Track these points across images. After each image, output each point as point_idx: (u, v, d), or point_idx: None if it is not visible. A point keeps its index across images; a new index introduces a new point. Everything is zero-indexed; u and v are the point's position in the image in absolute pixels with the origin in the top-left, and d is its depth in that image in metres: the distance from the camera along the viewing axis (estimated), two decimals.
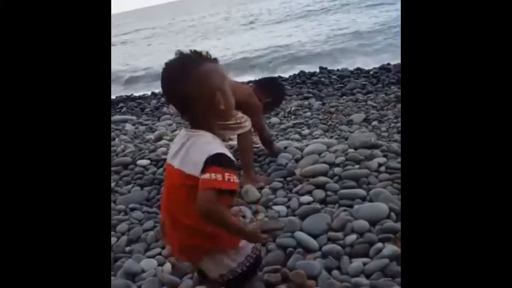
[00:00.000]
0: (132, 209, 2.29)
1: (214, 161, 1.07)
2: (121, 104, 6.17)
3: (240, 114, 2.28)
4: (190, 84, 1.12)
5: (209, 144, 1.13)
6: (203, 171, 1.07)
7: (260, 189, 2.20)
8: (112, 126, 4.21)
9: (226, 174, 1.06)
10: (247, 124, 2.29)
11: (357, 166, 2.21)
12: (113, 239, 2.01)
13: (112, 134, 3.81)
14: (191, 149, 1.14)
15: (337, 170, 2.20)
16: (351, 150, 2.37)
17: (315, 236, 1.75)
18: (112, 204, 2.34)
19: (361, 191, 1.99)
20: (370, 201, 1.93)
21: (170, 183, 1.22)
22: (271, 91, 2.57)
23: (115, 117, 4.78)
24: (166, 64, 1.17)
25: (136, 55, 13.88)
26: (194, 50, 1.17)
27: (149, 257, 1.85)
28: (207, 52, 1.18)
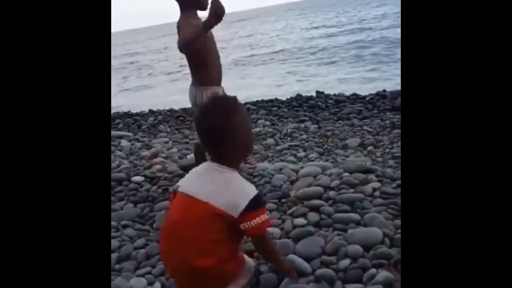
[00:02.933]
0: (124, 226, 2.26)
1: (257, 204, 1.18)
2: (117, 120, 6.18)
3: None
4: (233, 123, 1.18)
5: (245, 186, 1.21)
6: (251, 214, 1.15)
7: None
8: None
9: (266, 211, 1.21)
10: None
11: (351, 190, 2.22)
12: None
13: None
14: (227, 187, 1.18)
15: (331, 193, 2.20)
16: (346, 174, 2.38)
17: (308, 260, 1.73)
18: None
19: (355, 216, 1.99)
20: (365, 225, 1.92)
21: (188, 214, 1.20)
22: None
23: (111, 133, 4.78)
24: (211, 100, 1.24)
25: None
26: (234, 96, 1.27)
27: (139, 275, 1.81)
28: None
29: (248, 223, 1.15)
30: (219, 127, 1.16)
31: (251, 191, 1.18)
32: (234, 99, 1.23)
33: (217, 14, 1.98)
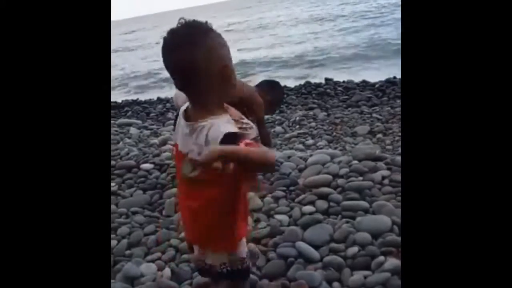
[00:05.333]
0: (134, 213, 2.29)
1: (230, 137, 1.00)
2: (126, 108, 6.22)
3: (245, 120, 2.27)
4: (201, 52, 1.00)
5: (222, 126, 1.04)
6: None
7: (262, 197, 2.19)
8: (117, 129, 4.23)
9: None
10: (252, 132, 2.28)
11: (360, 178, 2.20)
12: (114, 242, 2.01)
13: (117, 137, 3.82)
14: (209, 144, 1.02)
15: (340, 181, 2.19)
16: (355, 161, 2.36)
17: (316, 247, 1.74)
18: (114, 207, 2.34)
19: (364, 203, 1.98)
20: (373, 213, 1.92)
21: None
22: (271, 92, 2.66)
23: (120, 120, 4.81)
24: (172, 30, 1.02)
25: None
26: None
27: (149, 261, 1.84)
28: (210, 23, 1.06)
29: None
30: (187, 62, 0.99)
31: (224, 130, 1.02)
32: (199, 25, 1.04)
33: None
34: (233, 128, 1.04)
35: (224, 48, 1.06)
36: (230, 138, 0.99)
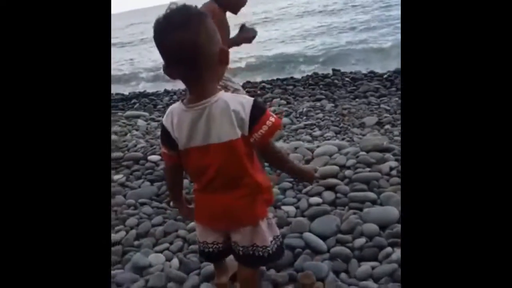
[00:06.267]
0: (142, 204, 2.31)
1: (258, 110, 1.07)
2: (134, 100, 6.23)
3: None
4: (202, 34, 0.99)
5: (236, 99, 1.08)
6: (256, 124, 1.07)
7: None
8: (125, 121, 4.25)
9: (271, 114, 1.10)
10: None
11: (368, 169, 2.19)
12: (122, 233, 2.03)
13: (125, 129, 3.85)
14: (223, 117, 1.05)
15: (347, 172, 2.18)
16: (363, 152, 2.35)
17: (323, 238, 1.74)
18: (122, 198, 2.36)
19: (371, 195, 1.97)
20: (381, 204, 1.91)
21: (215, 161, 1.10)
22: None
23: (127, 113, 4.82)
24: (169, 13, 1.00)
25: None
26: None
27: (157, 252, 1.86)
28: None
29: (260, 131, 1.07)
30: (187, 47, 0.98)
31: (246, 100, 1.07)
32: (194, 8, 1.04)
33: (249, 39, 2.13)
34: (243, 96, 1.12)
35: (218, 33, 1.07)
36: (257, 106, 1.08)
